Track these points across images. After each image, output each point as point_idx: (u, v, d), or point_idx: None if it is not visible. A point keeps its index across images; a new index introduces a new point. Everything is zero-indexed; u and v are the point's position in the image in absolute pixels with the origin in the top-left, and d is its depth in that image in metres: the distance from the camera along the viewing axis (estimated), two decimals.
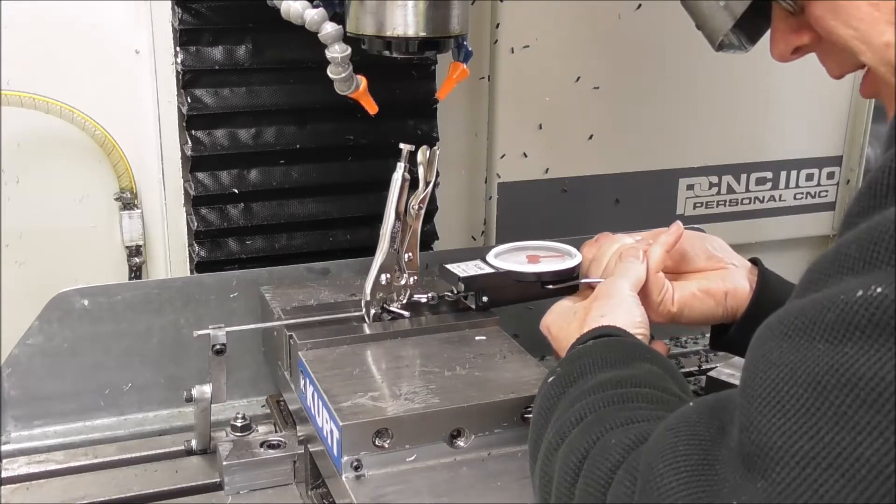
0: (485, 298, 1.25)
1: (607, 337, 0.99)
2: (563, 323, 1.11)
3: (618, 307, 1.05)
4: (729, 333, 1.17)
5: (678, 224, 1.18)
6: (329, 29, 1.19)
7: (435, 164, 1.24)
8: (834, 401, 0.59)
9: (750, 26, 0.92)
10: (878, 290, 0.60)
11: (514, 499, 0.98)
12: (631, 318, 1.04)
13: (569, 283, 1.22)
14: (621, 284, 1.08)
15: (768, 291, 1.14)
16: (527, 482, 0.97)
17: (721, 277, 1.16)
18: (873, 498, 0.57)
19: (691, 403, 0.76)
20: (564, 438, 0.84)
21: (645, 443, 0.75)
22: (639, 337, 1.02)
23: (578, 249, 1.25)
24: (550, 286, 1.22)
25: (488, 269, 1.25)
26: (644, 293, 1.12)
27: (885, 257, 0.61)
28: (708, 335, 1.26)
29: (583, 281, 1.21)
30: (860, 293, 0.60)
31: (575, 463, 0.80)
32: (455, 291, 1.26)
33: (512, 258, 1.27)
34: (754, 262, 1.20)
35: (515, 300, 1.26)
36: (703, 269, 1.18)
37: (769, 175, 1.86)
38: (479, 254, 1.29)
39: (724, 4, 0.90)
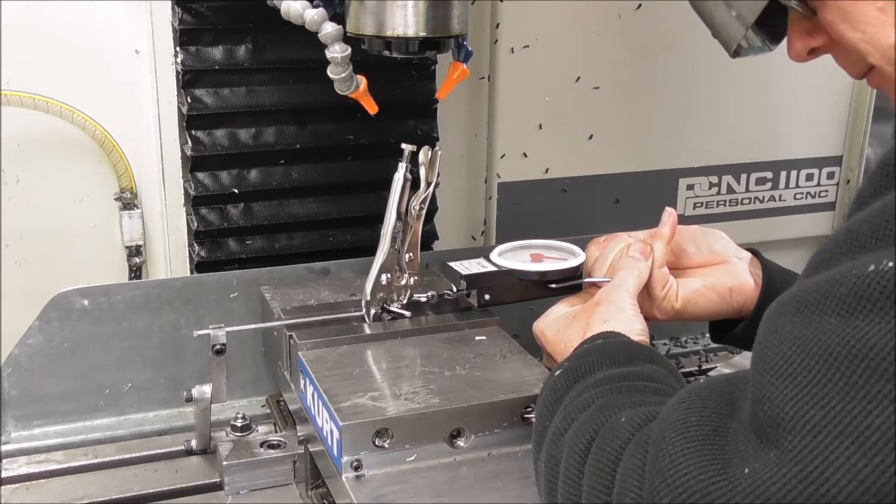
0: (487, 297, 1.25)
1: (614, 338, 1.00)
2: (561, 326, 1.11)
3: (618, 314, 1.06)
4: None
5: (669, 211, 1.17)
6: (329, 29, 1.19)
7: (437, 164, 1.24)
8: (845, 371, 0.61)
9: (771, 27, 0.93)
10: (890, 264, 0.61)
11: (514, 499, 0.98)
12: (632, 327, 1.04)
13: (572, 282, 1.22)
14: (622, 294, 1.09)
15: (774, 286, 1.14)
16: (527, 482, 0.97)
17: (725, 273, 1.16)
18: (883, 464, 0.59)
19: (701, 381, 0.77)
20: (572, 423, 0.85)
21: (655, 420, 0.75)
22: None
23: (581, 249, 1.25)
24: (553, 285, 1.22)
25: (491, 268, 1.25)
26: (648, 289, 1.12)
27: None
28: (708, 335, 1.26)
29: (586, 280, 1.21)
30: (872, 267, 0.62)
31: (584, 443, 0.81)
32: (454, 290, 1.26)
33: (516, 256, 1.27)
34: (754, 253, 1.20)
35: (518, 299, 1.26)
36: (706, 263, 1.18)
37: (769, 175, 1.86)
38: (481, 253, 1.29)
39: (736, 14, 0.90)
